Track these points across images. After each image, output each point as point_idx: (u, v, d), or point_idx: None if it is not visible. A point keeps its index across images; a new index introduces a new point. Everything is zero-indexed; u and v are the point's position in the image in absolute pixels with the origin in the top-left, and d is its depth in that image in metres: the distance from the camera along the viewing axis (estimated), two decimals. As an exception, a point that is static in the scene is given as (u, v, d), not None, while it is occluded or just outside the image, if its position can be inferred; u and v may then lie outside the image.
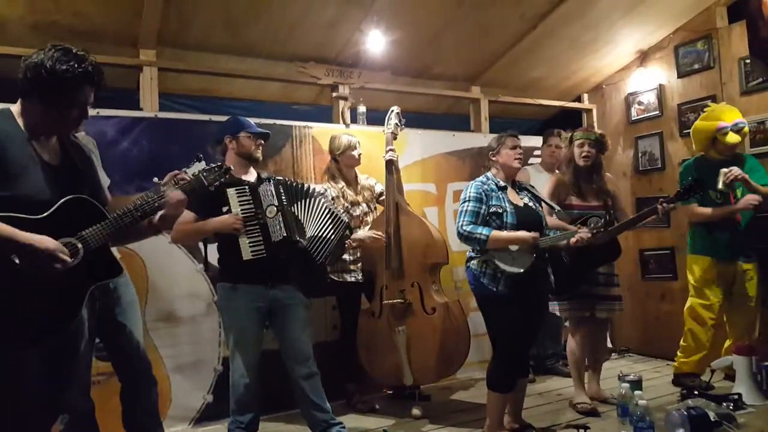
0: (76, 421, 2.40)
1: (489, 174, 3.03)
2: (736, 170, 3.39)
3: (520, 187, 3.08)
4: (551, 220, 3.22)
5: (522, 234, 2.77)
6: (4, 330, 1.66)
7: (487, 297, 2.89)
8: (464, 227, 2.83)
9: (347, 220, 3.08)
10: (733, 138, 3.52)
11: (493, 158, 3.03)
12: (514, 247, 2.79)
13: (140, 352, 2.56)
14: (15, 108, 1.80)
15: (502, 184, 2.96)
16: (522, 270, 2.78)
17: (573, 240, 2.92)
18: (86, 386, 2.46)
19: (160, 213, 1.97)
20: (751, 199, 3.40)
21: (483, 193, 2.89)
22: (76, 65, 1.74)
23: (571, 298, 3.37)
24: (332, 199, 3.42)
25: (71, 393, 2.36)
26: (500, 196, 2.91)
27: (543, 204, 3.09)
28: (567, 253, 3.07)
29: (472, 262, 2.96)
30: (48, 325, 1.73)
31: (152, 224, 2.00)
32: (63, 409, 2.00)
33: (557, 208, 3.19)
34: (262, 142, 3.04)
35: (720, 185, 3.44)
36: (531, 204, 3.00)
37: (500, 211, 2.85)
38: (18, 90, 1.79)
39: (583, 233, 2.91)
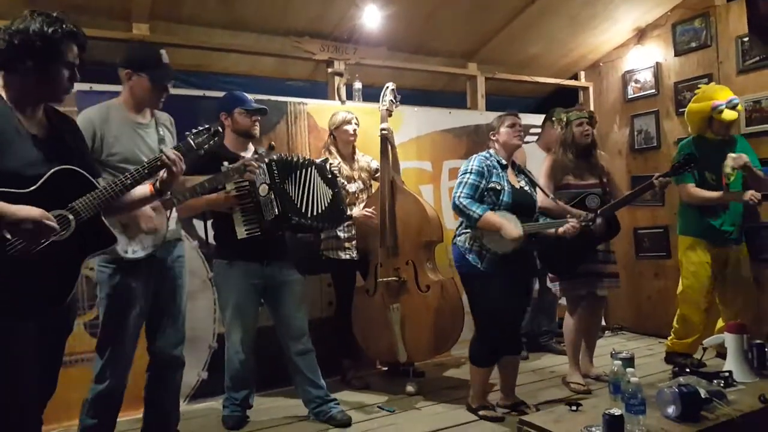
0: (109, 392, 2.38)
1: (491, 151, 3.06)
2: (744, 157, 3.41)
3: (519, 170, 3.13)
4: (550, 203, 3.24)
5: (510, 227, 2.79)
6: None
7: (471, 274, 2.96)
8: (461, 199, 2.87)
9: (337, 180, 3.16)
10: (729, 115, 3.51)
11: (494, 137, 3.07)
12: (502, 233, 2.81)
13: (177, 338, 2.56)
14: None
15: (504, 162, 3.01)
16: (508, 250, 2.84)
17: (561, 229, 2.95)
18: (131, 360, 2.45)
19: (162, 174, 1.98)
20: (753, 195, 3.39)
21: (485, 168, 2.93)
22: (61, 25, 1.75)
23: (571, 277, 3.39)
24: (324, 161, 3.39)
25: (120, 364, 2.37)
26: (501, 174, 2.96)
27: (539, 190, 3.14)
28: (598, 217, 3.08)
29: (459, 238, 3.01)
30: (43, 299, 1.72)
31: (153, 187, 2.01)
32: (54, 384, 2.00)
33: (551, 195, 3.22)
34: (259, 118, 3.01)
35: (728, 169, 3.42)
36: (527, 188, 3.06)
37: (498, 188, 2.90)
38: (1, 62, 1.75)
39: (572, 224, 2.91)
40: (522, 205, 2.94)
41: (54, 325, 1.86)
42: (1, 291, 1.64)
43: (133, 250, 2.29)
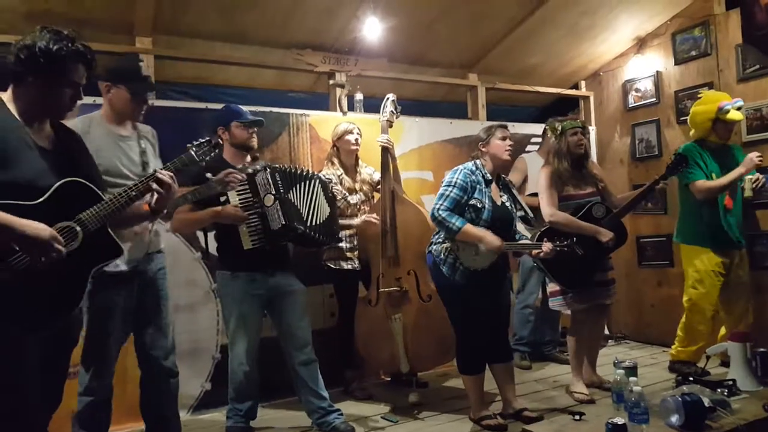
0: (96, 404, 2.41)
1: (478, 162, 3.06)
2: (762, 177, 3.53)
3: (503, 185, 3.13)
4: (561, 217, 3.25)
5: (491, 237, 2.83)
6: (4, 315, 1.66)
7: (444, 285, 3.01)
8: (440, 212, 2.88)
9: (336, 202, 3.23)
10: (735, 115, 3.57)
11: (483, 149, 3.07)
12: (481, 247, 2.85)
13: (166, 348, 2.56)
14: (5, 96, 1.80)
15: (489, 177, 3.02)
16: (483, 266, 2.89)
17: (535, 251, 2.97)
18: (113, 372, 2.47)
19: (156, 195, 1.96)
20: (756, 158, 3.49)
21: (469, 184, 2.95)
22: (69, 44, 1.76)
23: (580, 289, 3.32)
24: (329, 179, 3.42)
25: (105, 377, 2.38)
26: (484, 190, 2.97)
27: (519, 206, 3.16)
28: (577, 244, 3.07)
29: (434, 246, 3.04)
30: (50, 310, 1.74)
31: (150, 206, 2.00)
32: (60, 396, 2.01)
33: (531, 214, 3.24)
34: (256, 129, 3.03)
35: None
36: (507, 204, 3.07)
37: (479, 206, 2.93)
38: (9, 75, 1.78)
39: (546, 248, 2.90)
40: (502, 223, 2.97)
41: (59, 336, 1.87)
42: (7, 302, 1.65)
43: (114, 263, 2.28)
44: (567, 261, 3.01)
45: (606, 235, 3.20)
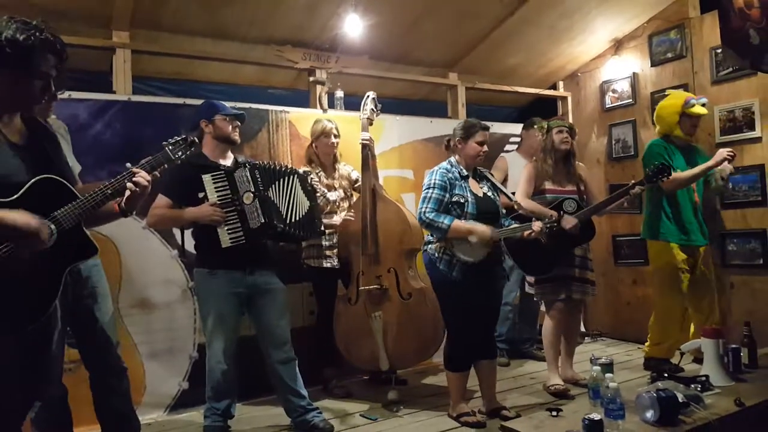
0: (49, 407, 2.37)
1: (453, 160, 3.10)
2: (729, 166, 3.60)
3: (480, 176, 3.17)
4: (529, 204, 3.38)
5: (481, 227, 2.88)
6: None
7: (442, 282, 3.02)
8: (427, 215, 2.91)
9: (316, 195, 3.22)
10: (700, 109, 3.66)
11: (459, 145, 3.09)
12: (473, 239, 2.88)
13: (111, 346, 2.51)
14: None
15: (464, 173, 3.05)
16: (479, 258, 2.91)
17: (526, 233, 3.00)
18: (59, 373, 2.42)
19: (127, 193, 1.89)
20: (725, 152, 3.54)
21: (447, 182, 2.98)
22: (36, 33, 1.69)
23: (546, 280, 3.47)
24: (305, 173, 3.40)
25: (47, 380, 2.33)
26: (463, 185, 3.00)
27: (501, 193, 3.22)
28: (562, 216, 3.15)
29: (429, 246, 3.06)
30: (26, 311, 1.69)
31: (119, 206, 1.94)
32: (38, 396, 1.96)
33: (513, 198, 3.31)
34: (239, 124, 3.01)
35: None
36: (489, 194, 3.11)
37: (462, 201, 2.96)
38: None
39: (536, 227, 2.95)
40: (487, 213, 3.00)
41: (35, 337, 1.82)
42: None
43: None
44: (529, 249, 3.10)
45: (569, 222, 3.27)
